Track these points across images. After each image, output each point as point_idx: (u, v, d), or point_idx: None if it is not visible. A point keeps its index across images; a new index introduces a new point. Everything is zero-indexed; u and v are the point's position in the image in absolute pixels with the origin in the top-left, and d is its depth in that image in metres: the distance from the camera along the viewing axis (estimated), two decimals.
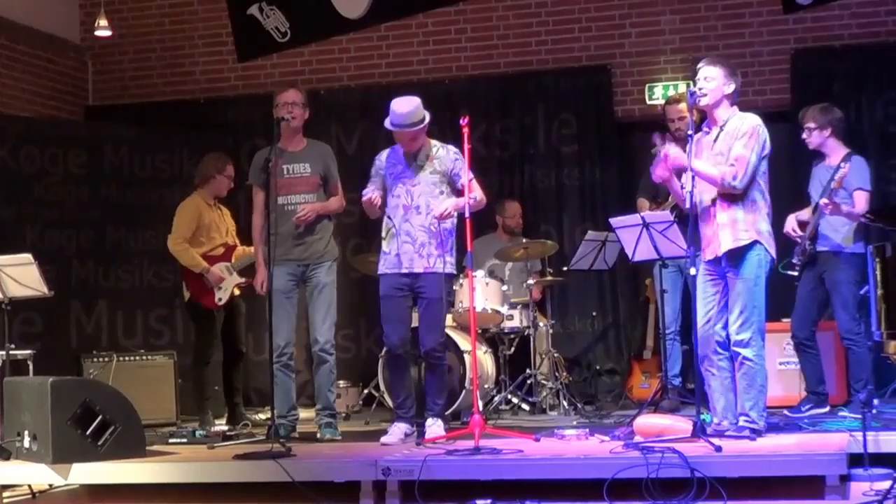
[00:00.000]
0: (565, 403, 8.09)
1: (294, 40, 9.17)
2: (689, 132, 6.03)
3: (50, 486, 6.32)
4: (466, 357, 7.60)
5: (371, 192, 6.62)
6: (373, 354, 8.85)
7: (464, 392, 7.66)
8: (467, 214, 6.33)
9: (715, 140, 6.10)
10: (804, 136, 7.19)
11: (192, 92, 10.34)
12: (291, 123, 6.94)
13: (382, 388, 8.09)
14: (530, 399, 8.21)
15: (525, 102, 9.69)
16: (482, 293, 7.85)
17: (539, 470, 5.69)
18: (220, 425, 7.72)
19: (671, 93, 8.87)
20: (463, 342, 7.74)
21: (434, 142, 6.77)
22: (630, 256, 7.21)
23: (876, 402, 6.84)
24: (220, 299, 7.82)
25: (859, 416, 5.98)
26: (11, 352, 7.17)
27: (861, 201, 7.01)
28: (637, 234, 7.00)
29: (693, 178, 5.93)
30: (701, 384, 6.20)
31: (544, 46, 9.74)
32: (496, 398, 8.13)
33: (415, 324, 6.86)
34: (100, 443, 6.12)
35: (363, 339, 9.70)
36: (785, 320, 7.46)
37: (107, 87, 10.54)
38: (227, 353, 8.02)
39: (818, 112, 7.17)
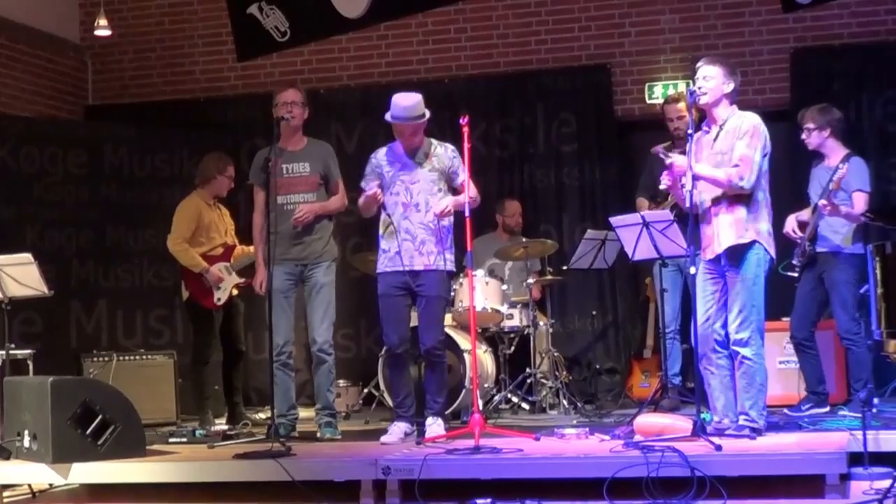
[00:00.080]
0: (565, 402, 8.09)
1: (294, 40, 9.17)
2: (689, 131, 6.04)
3: (50, 485, 6.32)
4: (466, 356, 7.60)
5: (373, 187, 6.61)
6: (373, 354, 8.84)
7: (464, 391, 7.66)
8: (467, 213, 6.34)
9: (715, 139, 6.11)
10: (803, 136, 7.19)
11: (191, 91, 10.34)
12: (291, 123, 6.94)
13: (382, 387, 8.09)
14: (530, 398, 8.21)
15: (525, 102, 9.69)
16: (482, 292, 7.84)
17: (539, 469, 5.69)
18: (220, 425, 7.73)
19: (671, 92, 8.87)
20: (463, 341, 7.74)
21: (432, 140, 6.77)
22: (630, 255, 7.21)
23: (876, 401, 6.84)
24: (218, 299, 7.82)
25: (859, 415, 5.98)
26: (11, 351, 7.18)
27: (860, 202, 7.01)
28: (637, 234, 7.00)
29: (693, 177, 5.93)
30: (701, 383, 6.19)
31: (544, 45, 9.74)
32: (496, 397, 8.13)
33: (414, 323, 6.87)
34: (100, 442, 6.12)
35: (363, 338, 9.70)
36: (785, 319, 7.45)
37: (106, 86, 10.54)
38: (226, 353, 8.03)
39: (817, 112, 7.17)
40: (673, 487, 5.25)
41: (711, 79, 6.06)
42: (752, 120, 6.05)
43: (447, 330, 7.33)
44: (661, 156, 6.25)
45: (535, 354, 8.22)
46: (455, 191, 6.68)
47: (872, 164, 7.43)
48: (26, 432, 6.22)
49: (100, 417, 6.13)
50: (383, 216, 6.69)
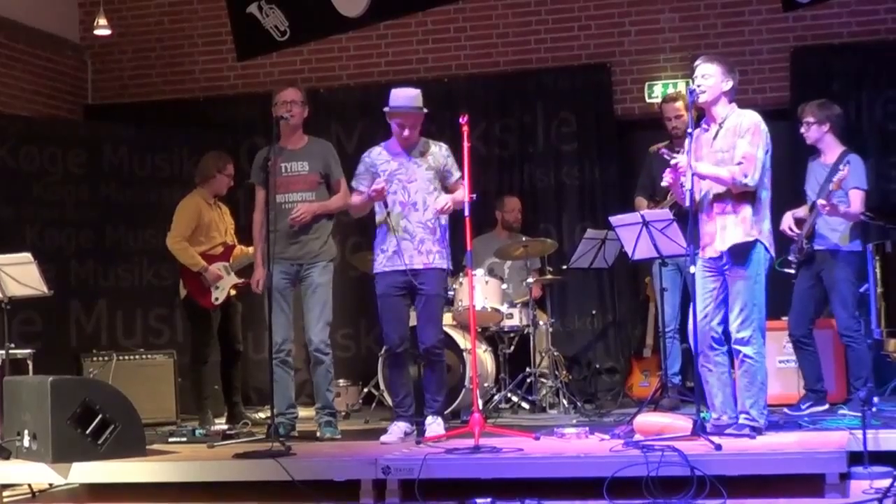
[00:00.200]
0: (565, 402, 8.09)
1: (293, 39, 9.17)
2: (689, 130, 6.04)
3: (50, 485, 6.32)
4: (466, 356, 7.60)
5: (381, 182, 6.55)
6: (372, 353, 8.84)
7: (463, 390, 7.66)
8: (467, 213, 6.33)
9: (714, 137, 6.11)
10: (802, 130, 7.21)
11: (191, 91, 10.34)
12: (290, 122, 6.94)
13: (382, 386, 8.08)
14: (530, 397, 8.21)
15: (524, 101, 9.68)
16: (482, 292, 7.84)
17: (539, 468, 5.69)
18: (220, 424, 7.73)
19: (671, 91, 8.87)
20: (463, 341, 7.74)
21: (427, 139, 6.77)
22: (630, 255, 7.20)
23: (876, 400, 6.84)
24: (216, 299, 7.82)
25: (859, 414, 5.97)
26: (11, 351, 7.17)
27: (857, 200, 7.01)
28: (637, 233, 6.99)
29: (692, 176, 5.93)
30: (700, 382, 6.19)
31: (544, 45, 9.73)
32: (496, 397, 8.13)
33: (413, 322, 6.86)
34: (100, 442, 6.12)
35: (363, 337, 9.70)
36: (784, 318, 7.45)
37: (106, 86, 10.54)
38: (224, 353, 8.03)
39: (817, 107, 7.19)
40: (673, 487, 5.25)
41: (710, 77, 6.06)
42: (752, 118, 6.05)
43: (447, 329, 7.33)
44: (667, 156, 6.26)
45: (534, 354, 8.22)
46: (447, 190, 6.68)
47: (872, 162, 7.45)
48: (26, 432, 6.22)
49: (100, 417, 6.13)
50: (380, 214, 6.68)
